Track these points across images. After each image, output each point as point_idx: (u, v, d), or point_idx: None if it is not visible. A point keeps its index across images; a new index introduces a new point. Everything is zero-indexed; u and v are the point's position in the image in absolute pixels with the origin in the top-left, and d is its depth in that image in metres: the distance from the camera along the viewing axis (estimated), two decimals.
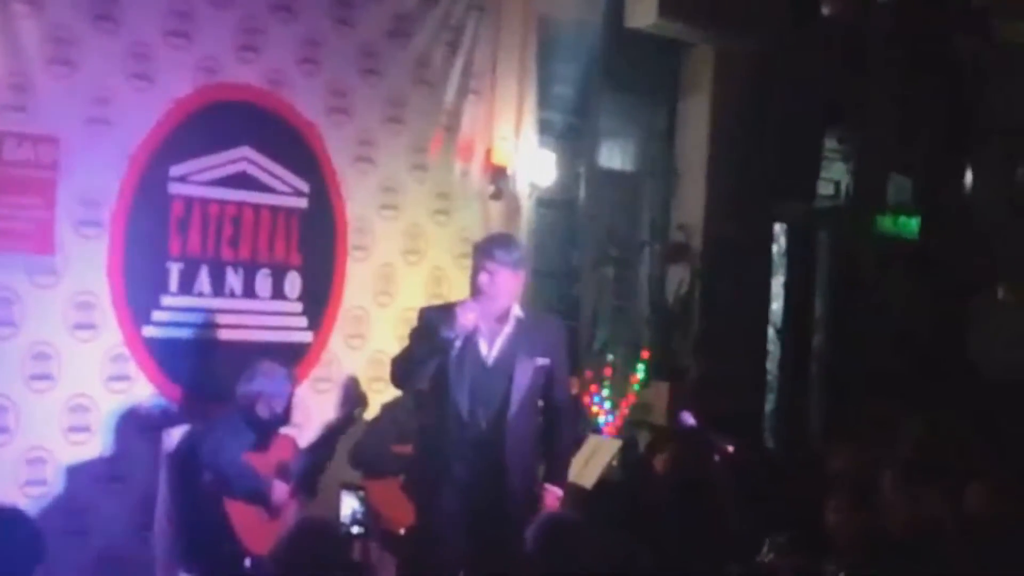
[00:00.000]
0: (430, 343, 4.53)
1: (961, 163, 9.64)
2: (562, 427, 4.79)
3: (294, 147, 5.76)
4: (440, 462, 4.59)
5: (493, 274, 4.58)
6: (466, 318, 4.49)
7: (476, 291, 4.59)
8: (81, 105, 5.02)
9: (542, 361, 4.63)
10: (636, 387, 7.15)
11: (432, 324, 4.57)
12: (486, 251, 4.64)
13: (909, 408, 6.40)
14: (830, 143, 8.93)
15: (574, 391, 5.63)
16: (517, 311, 4.66)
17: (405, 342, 4.75)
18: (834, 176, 9.18)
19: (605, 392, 6.91)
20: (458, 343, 4.52)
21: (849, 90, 8.67)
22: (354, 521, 4.39)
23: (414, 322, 4.73)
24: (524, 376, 4.58)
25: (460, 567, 4.61)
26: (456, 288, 5.93)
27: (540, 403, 4.72)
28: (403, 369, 4.68)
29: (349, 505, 4.43)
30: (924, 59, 9.06)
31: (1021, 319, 9.14)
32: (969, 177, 9.66)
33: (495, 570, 4.48)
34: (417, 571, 4.87)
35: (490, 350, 4.61)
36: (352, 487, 4.59)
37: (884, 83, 8.97)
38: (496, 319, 4.63)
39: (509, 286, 4.63)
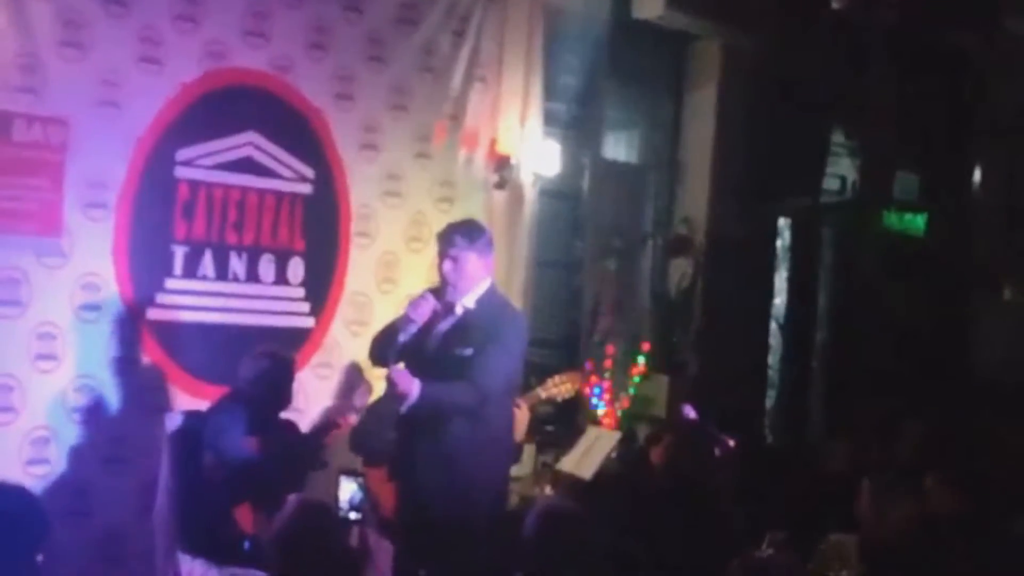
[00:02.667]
0: (400, 326, 4.57)
1: (965, 161, 9.62)
2: (458, 385, 4.50)
3: (299, 133, 5.78)
4: (397, 447, 4.72)
5: (456, 260, 4.56)
6: (416, 313, 4.50)
7: (441, 280, 4.59)
8: (90, 87, 5.04)
9: (469, 352, 4.52)
10: (636, 379, 7.16)
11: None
12: (447, 237, 4.62)
13: (910, 407, 6.43)
14: (836, 138, 8.93)
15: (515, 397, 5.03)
16: (467, 301, 4.60)
17: None
18: (840, 171, 9.17)
19: (605, 384, 6.93)
20: (407, 332, 4.52)
21: (856, 85, 8.66)
22: (352, 507, 4.41)
23: None
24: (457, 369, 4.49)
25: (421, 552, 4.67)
26: None
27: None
28: (374, 345, 4.76)
29: (348, 490, 4.44)
30: (930, 55, 9.05)
31: (1023, 319, 9.14)
32: (972, 175, 9.65)
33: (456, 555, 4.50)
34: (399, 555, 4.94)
35: (431, 340, 4.59)
36: (351, 473, 4.61)
37: (890, 78, 8.95)
38: (447, 309, 4.59)
39: (474, 271, 4.59)
